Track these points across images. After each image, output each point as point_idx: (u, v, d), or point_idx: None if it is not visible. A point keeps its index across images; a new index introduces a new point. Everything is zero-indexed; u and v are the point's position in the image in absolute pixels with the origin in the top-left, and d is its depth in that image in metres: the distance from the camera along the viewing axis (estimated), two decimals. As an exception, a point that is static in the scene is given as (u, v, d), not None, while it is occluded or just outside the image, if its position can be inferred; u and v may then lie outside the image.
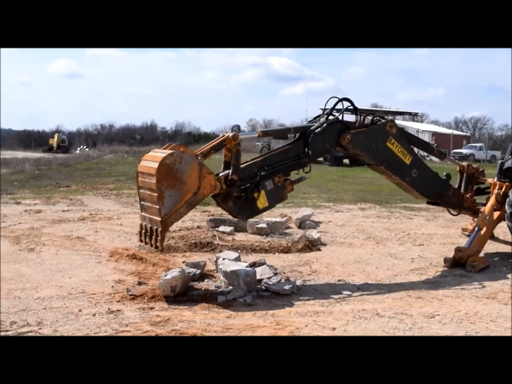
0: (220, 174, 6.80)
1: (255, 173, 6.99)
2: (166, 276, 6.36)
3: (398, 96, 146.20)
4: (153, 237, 6.39)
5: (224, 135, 6.84)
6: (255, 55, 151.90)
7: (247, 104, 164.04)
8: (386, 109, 67.60)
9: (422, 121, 75.08)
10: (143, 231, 6.60)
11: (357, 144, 7.74)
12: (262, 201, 7.05)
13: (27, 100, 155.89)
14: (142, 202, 6.70)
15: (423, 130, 54.30)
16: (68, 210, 13.13)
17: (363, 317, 5.90)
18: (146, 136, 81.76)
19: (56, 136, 66.34)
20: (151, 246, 6.44)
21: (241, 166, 6.96)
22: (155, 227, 6.37)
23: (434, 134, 54.07)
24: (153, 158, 6.39)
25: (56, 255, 8.45)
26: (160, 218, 6.26)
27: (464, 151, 46.34)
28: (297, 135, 7.56)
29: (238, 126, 68.00)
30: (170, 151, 6.33)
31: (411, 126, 56.80)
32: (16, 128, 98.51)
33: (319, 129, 7.42)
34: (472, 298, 6.74)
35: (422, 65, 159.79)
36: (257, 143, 49.58)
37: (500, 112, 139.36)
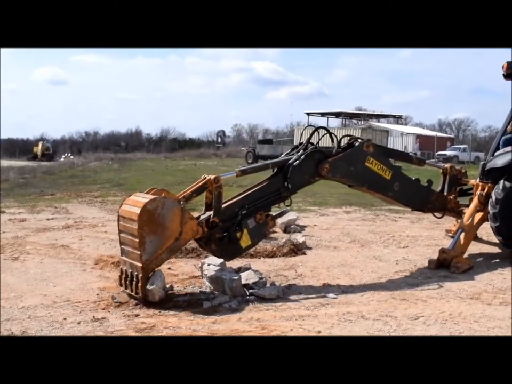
0: (201, 217, 6.86)
1: (236, 213, 7.02)
2: (152, 285, 6.31)
3: (382, 99, 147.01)
4: (134, 282, 6.37)
5: (205, 178, 6.89)
6: (240, 59, 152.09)
7: (232, 108, 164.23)
8: (370, 112, 67.95)
9: (406, 124, 75.55)
10: (123, 275, 6.57)
11: (336, 171, 7.78)
12: (245, 240, 7.10)
13: (12, 108, 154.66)
14: (122, 247, 6.69)
15: (407, 133, 54.62)
16: (52, 219, 13.06)
17: (348, 320, 5.92)
18: (132, 143, 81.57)
19: (40, 144, 66.16)
20: (131, 291, 6.40)
21: (222, 206, 6.98)
22: (135, 272, 6.35)
23: (419, 136, 54.48)
24: (135, 203, 6.41)
25: (40, 263, 8.40)
26: (141, 264, 6.26)
27: (448, 152, 46.63)
28: (275, 169, 7.60)
29: (223, 132, 68.37)
30: (152, 197, 6.36)
31: (395, 128, 57.16)
32: (1, 136, 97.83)
33: (297, 161, 7.46)
34: (456, 299, 6.79)
35: (406, 67, 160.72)
36: (243, 148, 49.67)
37: (483, 114, 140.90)
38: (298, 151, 7.69)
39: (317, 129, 7.83)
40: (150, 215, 6.24)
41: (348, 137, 8.22)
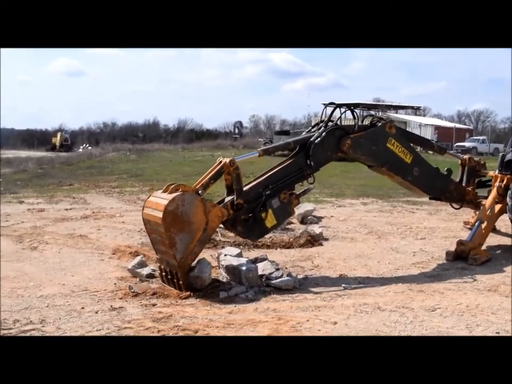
0: (226, 200, 6.86)
1: (260, 193, 7.03)
2: (201, 272, 6.48)
3: (400, 90, 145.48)
4: (175, 280, 6.52)
5: (221, 162, 6.86)
6: (256, 51, 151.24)
7: (248, 100, 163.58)
8: (388, 103, 67.48)
9: (424, 115, 74.83)
10: (163, 273, 6.71)
11: (358, 148, 7.75)
12: (270, 220, 7.10)
13: (29, 99, 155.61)
14: (155, 247, 6.80)
15: (425, 124, 54.14)
16: (70, 209, 13.17)
17: (364, 311, 5.91)
18: (149, 134, 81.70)
19: (58, 135, 66.39)
20: (175, 288, 6.52)
21: (245, 187, 7.01)
22: (174, 270, 6.49)
23: (437, 127, 53.91)
24: (156, 206, 6.43)
25: (58, 253, 8.49)
26: (177, 263, 6.37)
27: (466, 144, 46.14)
28: (297, 147, 7.57)
29: (241, 123, 68.28)
30: (171, 197, 6.33)
31: (413, 120, 56.65)
32: (18, 127, 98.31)
33: (319, 139, 7.44)
34: (474, 291, 6.75)
35: (423, 58, 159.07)
36: (260, 139, 49.63)
37: (503, 105, 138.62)
38: (319, 129, 7.67)
39: (338, 106, 7.75)
40: (173, 216, 6.28)
41: (371, 117, 8.17)
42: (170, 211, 6.25)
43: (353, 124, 7.79)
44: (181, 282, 6.42)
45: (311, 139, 7.46)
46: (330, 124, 7.69)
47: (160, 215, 6.25)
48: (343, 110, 7.82)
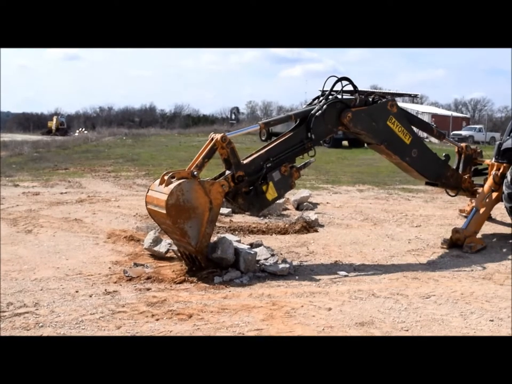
0: (227, 173, 6.83)
1: (261, 166, 7.03)
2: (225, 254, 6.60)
3: (397, 78, 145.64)
4: (197, 263, 6.62)
5: (213, 139, 6.80)
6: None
7: (246, 86, 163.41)
8: (385, 91, 67.37)
9: (421, 103, 74.79)
10: (184, 256, 6.80)
11: (358, 122, 7.72)
12: (271, 193, 7.10)
13: (26, 83, 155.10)
14: (168, 235, 6.92)
15: (422, 112, 54.10)
16: (66, 193, 13.13)
17: (359, 297, 5.92)
18: (145, 119, 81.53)
19: (54, 118, 66.17)
20: (200, 267, 6.60)
21: (246, 160, 7.01)
22: (193, 254, 6.57)
23: (434, 115, 53.87)
24: (157, 202, 6.43)
25: (53, 236, 8.46)
26: (193, 249, 6.45)
27: (463, 132, 46.17)
28: (298, 120, 7.55)
29: (237, 109, 68.11)
30: (168, 190, 6.29)
31: (411, 107, 56.48)
32: (15, 110, 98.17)
33: (320, 111, 7.41)
34: (468, 279, 6.76)
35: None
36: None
37: (500, 94, 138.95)
38: (320, 102, 7.65)
39: (339, 79, 7.71)
40: (176, 208, 6.27)
41: (373, 94, 8.14)
42: (172, 204, 6.23)
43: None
44: (203, 265, 6.54)
45: (312, 112, 7.44)
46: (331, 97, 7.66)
47: (164, 210, 6.26)
48: (345, 83, 7.76)
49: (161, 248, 7.29)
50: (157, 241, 7.37)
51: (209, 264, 6.56)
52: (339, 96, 7.67)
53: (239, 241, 7.43)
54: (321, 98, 7.74)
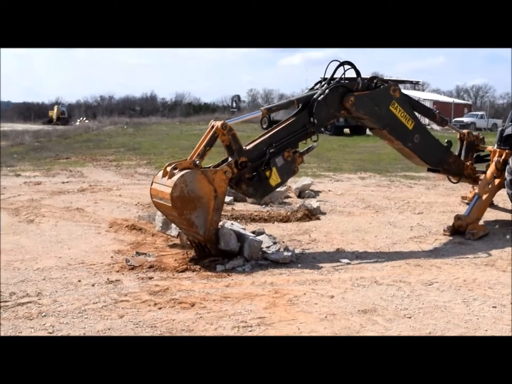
0: (230, 159, 6.82)
1: (264, 152, 7.01)
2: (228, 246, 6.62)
3: (398, 65, 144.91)
4: (205, 249, 6.68)
5: (213, 126, 6.76)
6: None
7: (246, 74, 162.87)
8: (387, 78, 67.09)
9: (423, 90, 74.51)
10: (193, 244, 6.84)
11: (360, 106, 7.68)
12: (274, 179, 7.08)
13: (25, 72, 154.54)
14: (177, 225, 6.97)
15: (424, 99, 53.92)
16: (67, 182, 13.12)
17: (361, 285, 5.92)
18: (146, 107, 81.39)
19: (55, 108, 66.02)
20: (210, 253, 6.64)
21: (248, 146, 7.00)
22: (202, 243, 6.62)
23: (436, 102, 53.67)
24: (162, 195, 6.44)
25: (55, 226, 8.45)
26: (202, 237, 6.48)
27: (465, 119, 46.01)
28: (300, 105, 7.52)
29: (238, 96, 67.86)
30: (172, 182, 6.27)
31: (412, 94, 56.25)
32: (15, 100, 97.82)
33: (322, 96, 7.38)
34: (471, 265, 6.76)
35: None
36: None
37: (502, 81, 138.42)
38: (322, 86, 7.62)
39: (342, 63, 7.67)
40: (181, 200, 6.27)
41: (376, 79, 8.10)
42: (176, 197, 6.23)
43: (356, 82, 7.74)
44: (213, 253, 6.58)
45: (314, 96, 7.41)
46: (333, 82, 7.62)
47: (169, 203, 6.26)
48: (346, 67, 7.71)
49: (172, 231, 7.39)
50: (167, 224, 7.44)
51: (219, 252, 6.59)
52: (342, 81, 7.63)
53: (244, 229, 7.41)
54: (323, 83, 7.69)
